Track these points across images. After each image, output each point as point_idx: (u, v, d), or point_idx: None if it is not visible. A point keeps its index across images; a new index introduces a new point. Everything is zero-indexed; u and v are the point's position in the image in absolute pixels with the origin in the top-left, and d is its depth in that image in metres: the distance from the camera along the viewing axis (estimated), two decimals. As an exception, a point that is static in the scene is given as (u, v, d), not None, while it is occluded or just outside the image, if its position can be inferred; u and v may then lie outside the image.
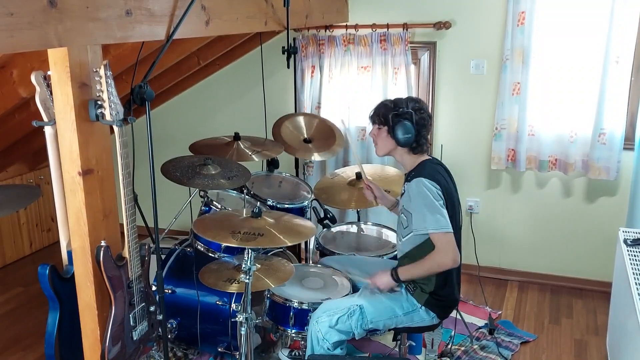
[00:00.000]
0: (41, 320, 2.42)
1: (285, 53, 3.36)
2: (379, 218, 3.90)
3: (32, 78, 2.20)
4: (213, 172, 2.95)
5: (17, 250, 4.48)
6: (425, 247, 2.43)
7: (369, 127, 2.73)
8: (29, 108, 3.13)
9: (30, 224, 4.57)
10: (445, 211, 2.39)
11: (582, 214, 3.86)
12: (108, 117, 1.93)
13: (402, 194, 2.59)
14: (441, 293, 2.52)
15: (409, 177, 2.51)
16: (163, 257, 3.06)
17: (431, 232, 2.38)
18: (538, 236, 4.00)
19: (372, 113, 2.59)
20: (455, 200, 2.54)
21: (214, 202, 3.06)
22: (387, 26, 3.84)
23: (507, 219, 4.04)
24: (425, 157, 2.58)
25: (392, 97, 2.63)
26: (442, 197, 2.42)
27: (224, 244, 2.95)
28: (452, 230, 2.38)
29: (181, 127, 4.70)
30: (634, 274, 2.51)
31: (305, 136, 3.72)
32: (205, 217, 2.87)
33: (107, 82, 1.89)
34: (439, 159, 2.67)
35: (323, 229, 3.37)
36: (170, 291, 2.99)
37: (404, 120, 2.45)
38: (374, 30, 3.88)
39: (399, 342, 2.82)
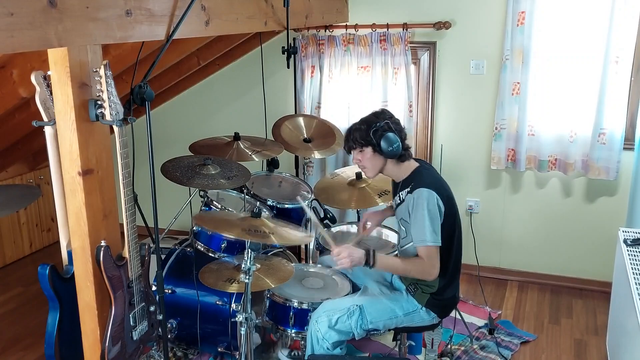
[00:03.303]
0: (41, 320, 2.43)
1: (285, 53, 3.36)
2: (379, 218, 3.89)
3: (32, 78, 2.20)
4: (213, 172, 2.95)
5: (17, 250, 4.48)
6: None
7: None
8: (29, 108, 3.13)
9: (30, 224, 4.57)
10: (439, 225, 2.39)
11: (582, 214, 3.85)
12: (108, 117, 1.93)
13: (399, 204, 2.54)
14: (444, 294, 2.52)
15: (408, 186, 2.47)
16: (163, 257, 3.06)
17: (429, 245, 2.37)
18: (538, 236, 4.00)
19: (347, 141, 2.52)
20: (454, 201, 2.53)
21: (214, 202, 3.06)
22: (387, 26, 3.84)
23: (507, 219, 4.04)
24: (414, 162, 2.55)
25: (357, 120, 2.54)
26: (443, 207, 2.41)
27: (224, 244, 2.96)
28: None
29: (181, 127, 4.70)
30: (633, 274, 2.51)
31: (305, 136, 3.72)
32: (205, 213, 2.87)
33: (107, 82, 1.89)
34: (428, 161, 2.65)
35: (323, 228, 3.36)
36: (170, 291, 2.99)
37: (385, 133, 2.42)
38: (373, 30, 3.88)
39: (398, 342, 2.82)
